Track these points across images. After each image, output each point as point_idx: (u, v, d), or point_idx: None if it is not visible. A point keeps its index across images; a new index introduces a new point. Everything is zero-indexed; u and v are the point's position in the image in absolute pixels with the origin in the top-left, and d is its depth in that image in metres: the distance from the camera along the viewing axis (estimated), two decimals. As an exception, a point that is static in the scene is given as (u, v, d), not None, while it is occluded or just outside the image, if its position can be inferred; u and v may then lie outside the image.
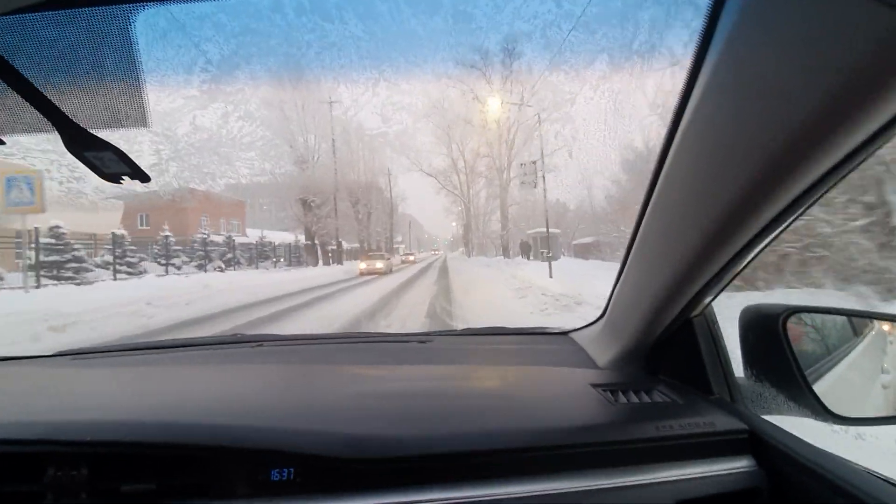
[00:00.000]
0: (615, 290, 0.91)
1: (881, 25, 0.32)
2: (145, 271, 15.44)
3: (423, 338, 1.26)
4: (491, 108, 24.85)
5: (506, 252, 27.02)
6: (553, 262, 11.85)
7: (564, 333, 1.23)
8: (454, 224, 48.27)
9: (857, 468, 0.55)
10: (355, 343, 1.34)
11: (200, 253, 19.36)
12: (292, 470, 0.62)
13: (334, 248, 30.97)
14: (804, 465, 0.58)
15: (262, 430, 0.66)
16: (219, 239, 21.24)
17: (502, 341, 1.26)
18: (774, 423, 0.69)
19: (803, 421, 0.74)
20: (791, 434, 0.64)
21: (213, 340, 1.44)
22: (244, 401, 0.82)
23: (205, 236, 19.94)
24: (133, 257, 15.63)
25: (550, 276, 10.79)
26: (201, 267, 18.77)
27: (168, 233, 17.58)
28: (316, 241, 27.20)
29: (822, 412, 0.73)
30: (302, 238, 28.23)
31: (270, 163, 23.46)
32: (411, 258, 36.18)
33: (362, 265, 18.30)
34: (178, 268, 17.78)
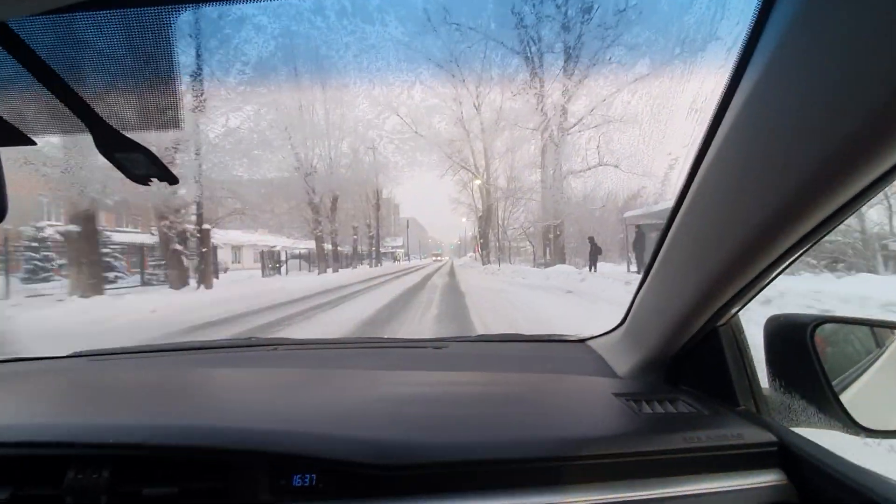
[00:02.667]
0: (637, 298, 0.90)
1: None
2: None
3: (437, 343, 1.25)
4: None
5: (555, 255, 19.01)
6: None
7: (581, 341, 1.22)
8: (464, 220, 40.39)
9: (892, 483, 0.54)
10: (370, 348, 1.33)
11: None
12: (315, 476, 0.62)
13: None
14: (837, 479, 0.56)
15: (283, 434, 0.66)
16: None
17: (518, 348, 1.25)
18: (804, 435, 0.67)
19: (832, 433, 0.72)
20: (822, 447, 0.63)
21: (229, 343, 1.44)
22: (264, 405, 0.81)
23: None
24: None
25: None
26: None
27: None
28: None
29: (852, 424, 0.71)
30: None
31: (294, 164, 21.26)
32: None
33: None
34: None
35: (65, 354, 1.25)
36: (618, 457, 0.64)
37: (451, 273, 22.10)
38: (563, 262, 18.31)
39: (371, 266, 31.45)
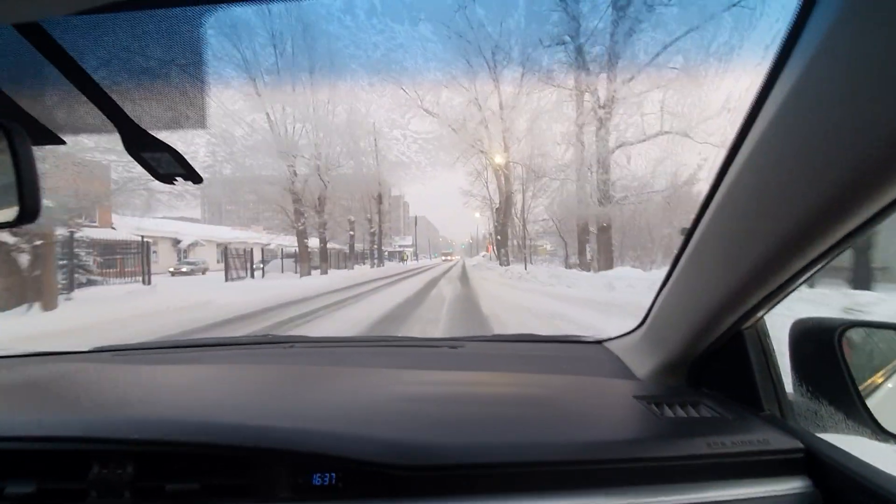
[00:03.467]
0: (658, 298, 0.89)
1: None
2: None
3: (453, 343, 1.25)
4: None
5: (602, 254, 14.48)
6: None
7: (598, 342, 1.21)
8: (477, 215, 36.68)
9: None
10: (386, 346, 1.34)
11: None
12: (334, 475, 0.62)
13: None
14: (865, 487, 0.55)
15: (304, 433, 0.66)
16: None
17: (534, 348, 1.25)
18: (830, 441, 0.66)
19: (860, 440, 0.71)
20: (850, 454, 0.62)
21: (247, 340, 1.46)
22: (283, 402, 0.82)
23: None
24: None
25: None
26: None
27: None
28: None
29: (880, 431, 0.70)
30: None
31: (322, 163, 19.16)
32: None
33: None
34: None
35: (87, 350, 1.28)
36: (641, 461, 0.63)
37: (464, 277, 18.13)
38: (609, 262, 14.35)
39: (372, 267, 28.72)
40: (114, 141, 0.57)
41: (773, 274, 0.57)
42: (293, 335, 1.47)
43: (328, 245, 21.55)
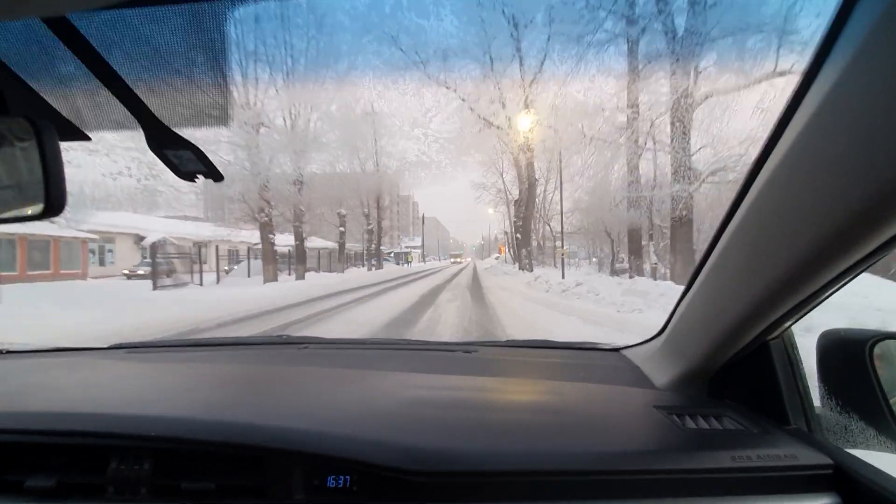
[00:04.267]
0: (680, 307, 0.87)
1: None
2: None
3: (467, 347, 1.25)
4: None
5: (680, 255, 9.96)
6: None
7: (616, 350, 1.19)
8: (491, 211, 31.26)
9: None
10: (399, 350, 1.34)
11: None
12: (349, 478, 0.62)
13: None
14: None
15: (320, 435, 0.66)
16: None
17: (549, 355, 1.23)
18: (861, 458, 0.64)
19: (893, 457, 0.68)
20: (881, 471, 0.59)
21: (261, 340, 1.48)
22: (298, 404, 0.82)
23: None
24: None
25: None
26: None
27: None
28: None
29: None
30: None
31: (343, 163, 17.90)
32: None
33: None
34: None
35: (105, 346, 1.30)
36: (661, 473, 0.61)
37: (475, 289, 12.88)
38: (688, 266, 9.24)
39: (369, 270, 24.98)
40: (137, 137, 0.58)
41: (802, 283, 0.55)
42: (307, 336, 1.48)
43: (310, 244, 17.81)
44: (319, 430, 0.67)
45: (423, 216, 63.28)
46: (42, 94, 0.56)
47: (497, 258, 42.77)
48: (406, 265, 40.61)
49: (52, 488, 0.62)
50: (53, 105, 0.58)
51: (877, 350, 0.72)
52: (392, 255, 45.38)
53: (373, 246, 27.30)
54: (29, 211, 0.50)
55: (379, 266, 26.99)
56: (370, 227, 26.31)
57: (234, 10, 0.48)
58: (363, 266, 26.84)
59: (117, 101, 0.54)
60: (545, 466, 0.62)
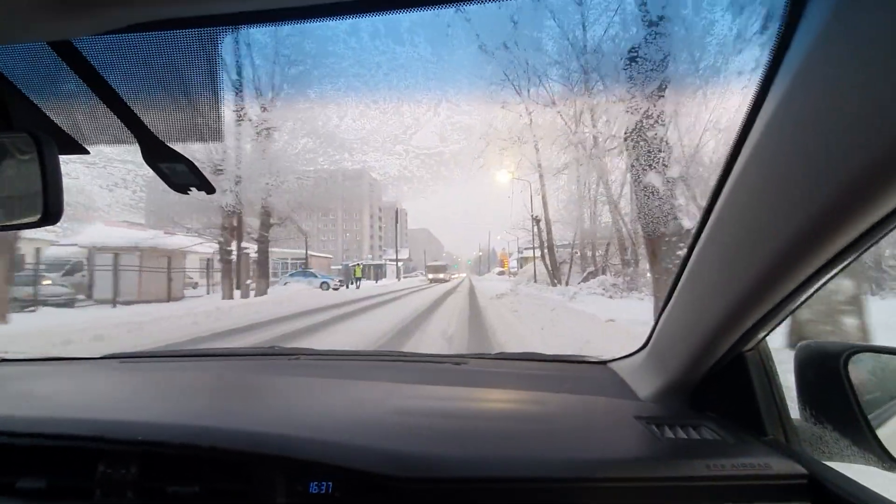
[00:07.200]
0: (661, 320, 0.88)
1: None
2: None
3: (457, 359, 1.25)
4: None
5: None
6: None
7: (603, 363, 1.20)
8: (499, 237, 30.11)
9: None
10: (390, 361, 1.34)
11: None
12: (331, 484, 0.63)
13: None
14: None
15: (302, 440, 0.67)
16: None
17: (537, 367, 1.24)
18: (836, 469, 0.65)
19: (867, 469, 0.69)
20: (856, 482, 0.60)
21: (252, 351, 1.48)
22: (284, 411, 0.83)
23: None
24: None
25: None
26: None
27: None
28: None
29: (889, 459, 0.68)
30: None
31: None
32: None
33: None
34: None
35: (97, 356, 1.30)
36: (638, 481, 0.63)
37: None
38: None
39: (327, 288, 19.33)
40: (133, 151, 0.61)
41: (766, 295, 0.57)
42: (298, 348, 1.48)
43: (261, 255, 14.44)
44: (302, 436, 0.68)
45: (396, 219, 54.28)
46: (44, 110, 0.59)
47: (500, 273, 33.13)
48: (354, 284, 25.79)
49: (43, 490, 0.64)
50: (55, 120, 0.61)
51: (852, 362, 0.73)
52: (370, 268, 35.10)
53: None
54: (27, 219, 0.52)
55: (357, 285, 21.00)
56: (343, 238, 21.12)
57: (226, 36, 0.51)
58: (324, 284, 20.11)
59: (115, 117, 0.57)
60: (528, 473, 0.63)
